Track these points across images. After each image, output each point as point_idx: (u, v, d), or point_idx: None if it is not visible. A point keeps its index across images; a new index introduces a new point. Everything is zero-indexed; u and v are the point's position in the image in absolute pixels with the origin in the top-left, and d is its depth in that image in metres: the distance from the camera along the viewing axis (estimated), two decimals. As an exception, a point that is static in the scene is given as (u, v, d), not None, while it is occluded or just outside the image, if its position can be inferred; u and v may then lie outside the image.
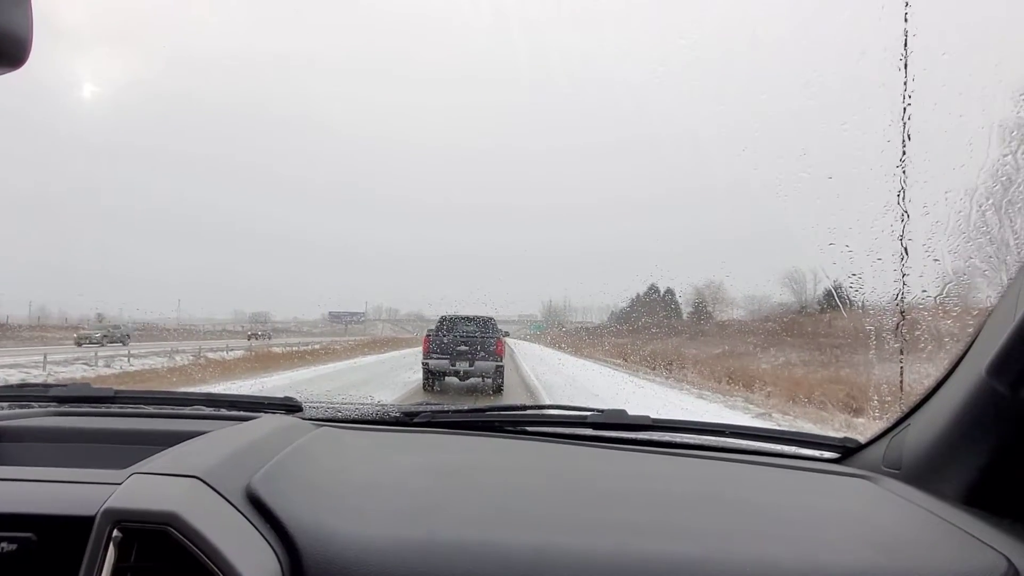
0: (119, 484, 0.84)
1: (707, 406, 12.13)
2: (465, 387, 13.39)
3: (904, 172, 1.15)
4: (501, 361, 13.17)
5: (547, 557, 0.85)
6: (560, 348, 43.17)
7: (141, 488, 0.83)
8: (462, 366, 12.87)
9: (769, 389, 14.64)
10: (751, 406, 12.45)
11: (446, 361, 12.92)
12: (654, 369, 23.55)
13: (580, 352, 37.07)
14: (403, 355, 27.47)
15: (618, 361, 29.35)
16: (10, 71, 0.65)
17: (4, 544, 0.78)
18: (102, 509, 0.78)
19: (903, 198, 1.16)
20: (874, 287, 1.44)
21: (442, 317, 14.49)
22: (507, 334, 16.25)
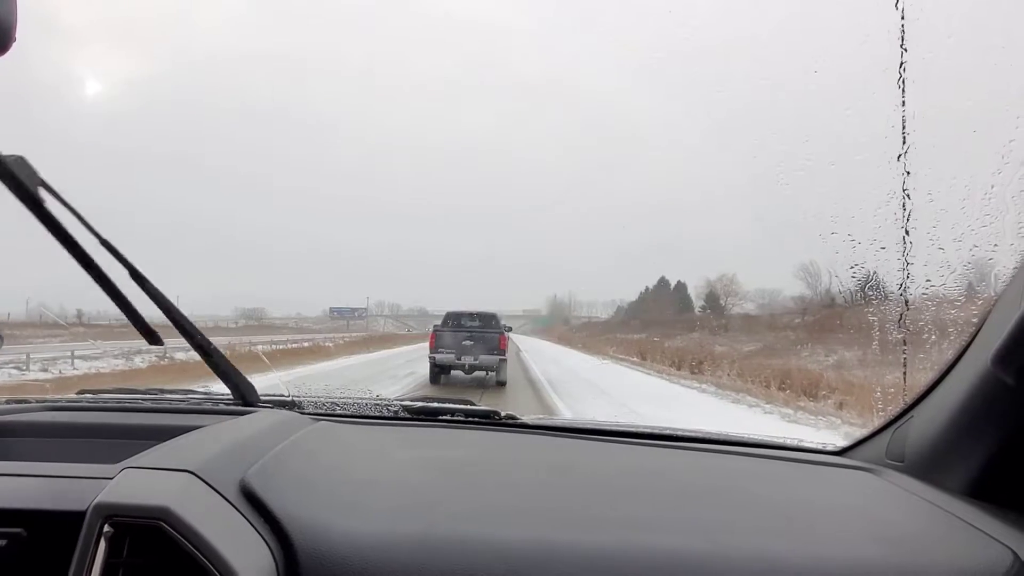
0: (111, 479, 0.83)
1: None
2: (470, 380, 13.89)
3: (908, 159, 1.14)
4: (504, 355, 13.87)
5: (546, 552, 0.84)
6: (570, 345, 40.06)
7: (133, 482, 0.83)
8: (467, 360, 13.52)
9: (841, 398, 11.98)
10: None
11: (452, 355, 13.57)
12: (680, 368, 20.63)
13: (592, 350, 34.09)
14: (398, 354, 25.30)
15: (635, 359, 26.62)
16: None
17: None
18: (93, 504, 0.77)
19: (907, 185, 1.15)
20: (876, 277, 1.43)
21: (448, 313, 15.37)
22: (510, 329, 17.42)
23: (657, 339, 33.20)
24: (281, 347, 26.94)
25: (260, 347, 25.73)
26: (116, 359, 19.19)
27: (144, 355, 20.29)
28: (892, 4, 1.01)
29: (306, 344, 30.09)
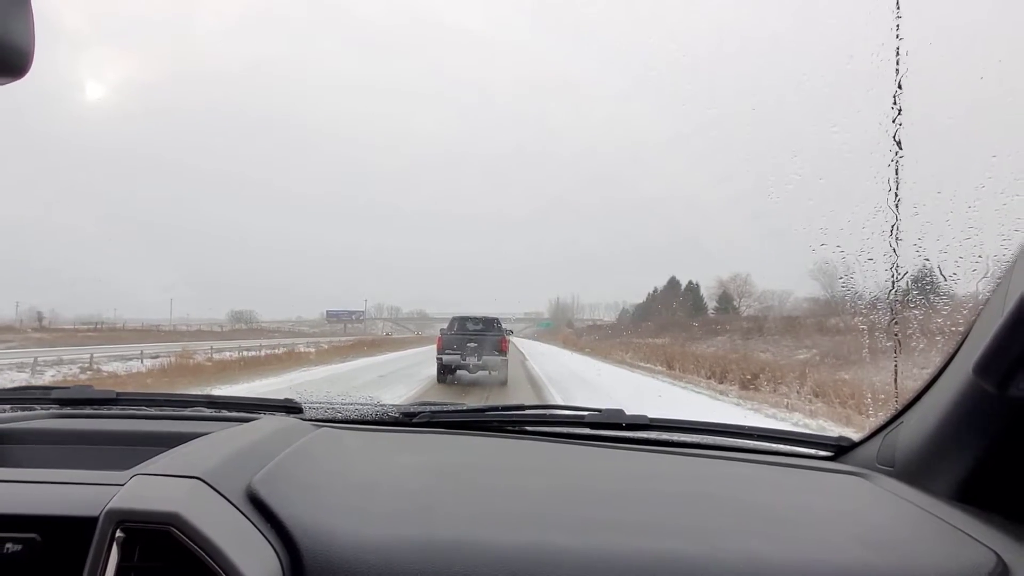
0: (122, 485, 0.85)
1: None
2: (474, 379, 14.98)
3: (895, 173, 1.16)
4: (506, 356, 15.21)
5: (545, 556, 0.87)
6: (578, 350, 35.10)
7: (144, 489, 0.85)
8: (471, 360, 14.73)
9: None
10: None
11: (458, 356, 14.74)
12: (723, 382, 16.64)
13: (606, 356, 29.10)
14: (378, 363, 21.37)
15: (661, 368, 22.51)
16: (13, 80, 0.67)
17: (9, 545, 0.79)
18: (105, 510, 0.79)
19: (893, 199, 1.17)
20: (865, 287, 1.45)
21: (453, 318, 16.88)
22: (511, 332, 18.57)
23: (679, 344, 29.04)
24: (251, 354, 24.29)
25: (228, 354, 23.43)
26: (20, 372, 15.49)
27: (66, 366, 17.21)
28: (878, 25, 1.03)
29: (280, 351, 26.70)
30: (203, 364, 20.17)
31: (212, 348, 25.28)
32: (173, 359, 20.49)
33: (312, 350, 29.30)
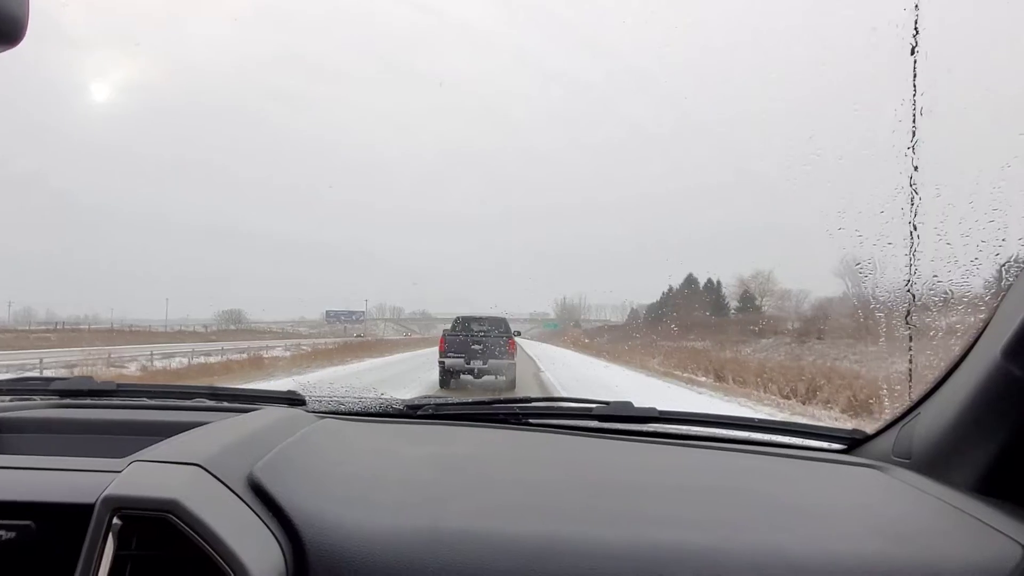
0: (119, 472, 0.83)
1: None
2: (479, 384, 14.01)
3: (915, 153, 1.13)
4: (513, 359, 14.10)
5: (552, 547, 0.85)
6: (599, 355, 29.90)
7: (141, 475, 0.83)
8: (476, 364, 13.75)
9: None
10: None
11: (461, 359, 13.80)
12: (808, 403, 12.84)
13: (637, 364, 23.78)
14: (347, 374, 16.67)
15: (703, 379, 18.29)
16: (7, 48, 0.65)
17: (2, 532, 0.77)
18: (102, 496, 0.77)
19: (914, 180, 1.14)
20: (883, 272, 1.42)
21: (457, 318, 15.73)
22: (518, 333, 17.56)
23: (723, 348, 24.79)
24: (202, 360, 20.69)
25: (179, 360, 20.43)
26: None
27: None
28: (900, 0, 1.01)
29: (245, 356, 22.10)
30: (124, 376, 15.46)
31: (152, 353, 21.73)
32: (94, 369, 16.92)
33: (288, 354, 24.92)
